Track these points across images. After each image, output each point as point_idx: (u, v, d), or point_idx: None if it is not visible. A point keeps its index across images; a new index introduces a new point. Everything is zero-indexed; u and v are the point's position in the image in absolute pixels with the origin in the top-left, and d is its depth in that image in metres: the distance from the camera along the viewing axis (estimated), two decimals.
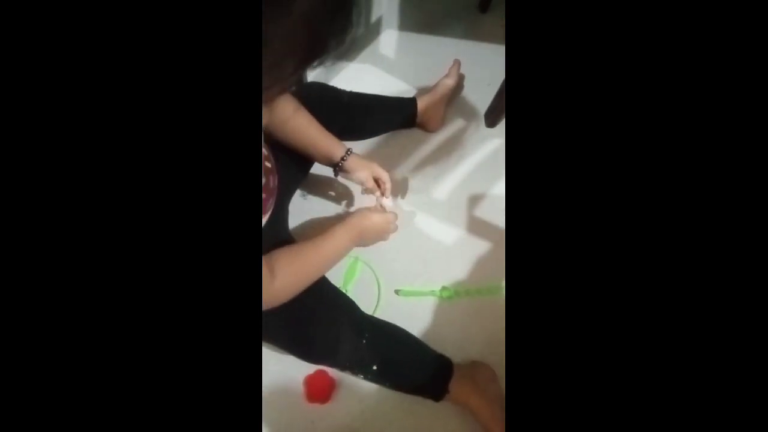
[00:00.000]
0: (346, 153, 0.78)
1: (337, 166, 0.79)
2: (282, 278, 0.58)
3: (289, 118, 0.73)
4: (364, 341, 0.68)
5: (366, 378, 0.71)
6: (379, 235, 0.76)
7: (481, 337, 0.79)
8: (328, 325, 0.68)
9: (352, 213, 0.72)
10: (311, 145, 0.77)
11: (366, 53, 1.17)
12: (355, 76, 1.12)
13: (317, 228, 0.91)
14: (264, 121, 0.61)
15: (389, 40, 1.20)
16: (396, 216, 0.78)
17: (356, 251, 0.85)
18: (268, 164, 0.65)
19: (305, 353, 0.69)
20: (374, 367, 0.69)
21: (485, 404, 0.69)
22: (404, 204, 0.93)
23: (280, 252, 0.60)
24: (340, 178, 0.84)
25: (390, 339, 0.72)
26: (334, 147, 0.78)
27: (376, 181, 0.80)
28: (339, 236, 0.68)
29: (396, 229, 0.79)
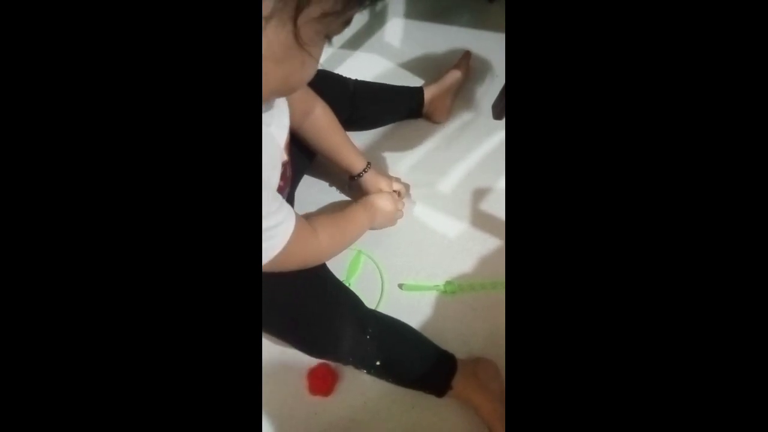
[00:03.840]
0: (366, 167, 0.81)
1: (355, 178, 0.80)
2: (325, 238, 0.63)
3: (312, 118, 0.73)
4: (368, 336, 0.68)
5: (369, 372, 0.70)
6: (389, 218, 0.82)
7: (485, 332, 0.79)
8: (332, 319, 0.67)
9: (368, 196, 0.79)
10: (333, 152, 0.80)
11: (371, 42, 1.15)
12: (360, 64, 1.10)
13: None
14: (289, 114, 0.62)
15: (395, 28, 1.18)
16: (404, 204, 0.85)
17: (360, 244, 0.85)
18: (285, 155, 0.65)
19: (308, 347, 0.69)
20: (377, 362, 0.68)
21: (488, 401, 0.69)
22: (409, 196, 0.92)
23: (319, 217, 0.66)
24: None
25: (394, 334, 0.72)
26: (356, 160, 0.81)
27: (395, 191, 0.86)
28: (360, 214, 0.74)
29: (401, 216, 0.85)
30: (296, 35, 0.36)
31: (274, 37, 0.36)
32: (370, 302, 0.80)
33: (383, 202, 0.79)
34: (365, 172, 0.82)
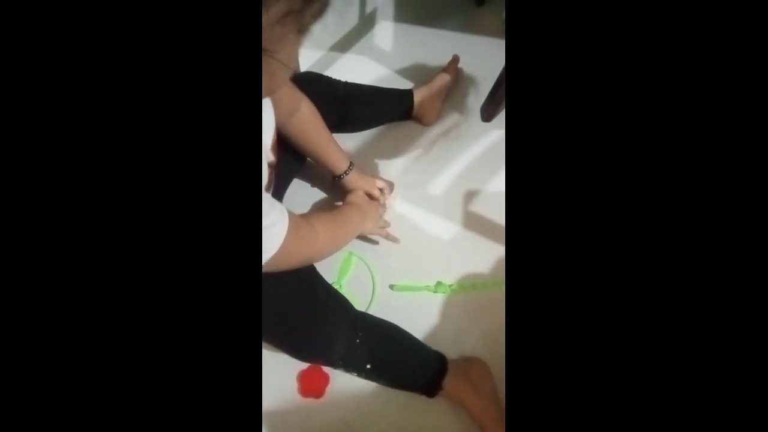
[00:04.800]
0: (348, 168, 0.81)
1: (338, 178, 0.80)
2: (323, 235, 0.63)
3: (298, 117, 0.73)
4: (358, 340, 0.68)
5: (359, 375, 0.70)
6: (374, 222, 0.80)
7: (476, 332, 0.79)
8: (321, 323, 0.67)
9: (354, 194, 0.80)
10: (317, 152, 0.79)
11: (361, 45, 1.15)
12: (350, 67, 1.10)
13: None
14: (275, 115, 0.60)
15: (384, 31, 1.19)
16: (385, 208, 0.85)
17: (351, 246, 0.85)
18: (272, 156, 0.65)
19: (298, 352, 0.69)
20: (368, 366, 0.69)
21: (478, 401, 0.69)
22: (399, 198, 0.92)
23: (317, 215, 0.68)
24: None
25: (384, 337, 0.72)
26: (339, 160, 0.81)
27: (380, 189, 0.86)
28: (354, 213, 0.75)
29: (385, 224, 0.84)
30: None
31: None
32: (361, 303, 0.80)
33: (367, 204, 0.80)
34: (346, 174, 0.82)
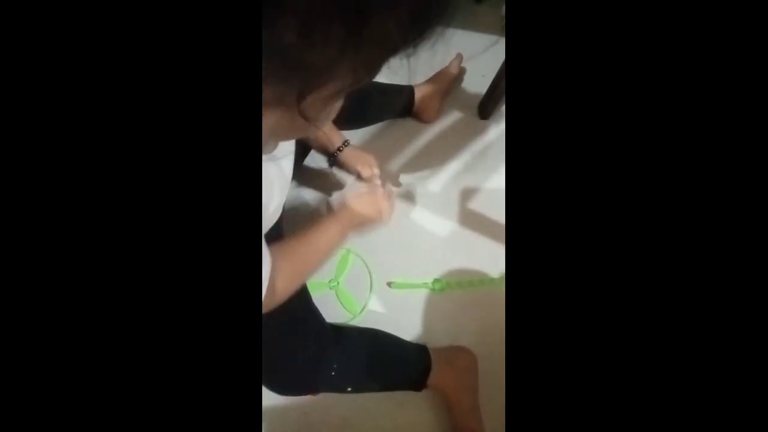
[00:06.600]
0: (344, 144, 0.79)
1: (333, 156, 0.79)
2: (280, 286, 0.54)
3: None
4: (333, 373, 0.67)
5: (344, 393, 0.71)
6: (372, 215, 0.69)
7: (473, 329, 0.79)
8: (293, 361, 0.66)
9: (338, 201, 0.67)
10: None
11: None
12: None
13: (307, 216, 0.89)
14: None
15: None
16: (388, 193, 0.72)
17: (348, 243, 0.85)
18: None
19: (278, 388, 0.69)
20: (348, 389, 0.69)
21: (459, 391, 0.71)
22: (398, 195, 0.93)
23: (273, 250, 0.54)
24: (334, 170, 0.84)
25: (362, 358, 0.70)
26: (333, 136, 0.78)
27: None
28: (330, 227, 0.64)
29: (391, 208, 0.72)
30: (302, 115, 0.32)
31: (275, 121, 0.32)
32: (358, 301, 0.81)
33: (360, 202, 0.68)
34: (341, 149, 0.78)
